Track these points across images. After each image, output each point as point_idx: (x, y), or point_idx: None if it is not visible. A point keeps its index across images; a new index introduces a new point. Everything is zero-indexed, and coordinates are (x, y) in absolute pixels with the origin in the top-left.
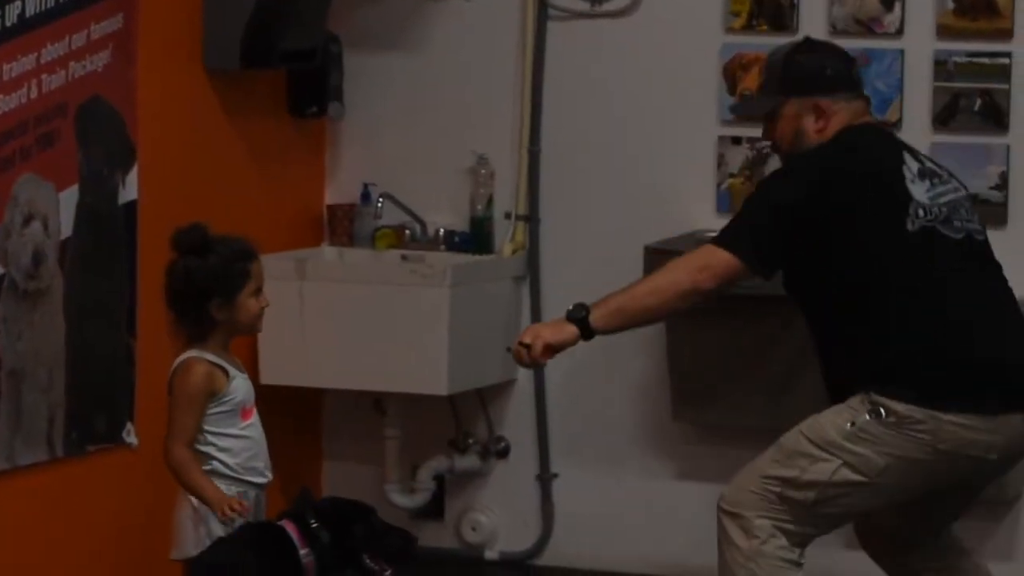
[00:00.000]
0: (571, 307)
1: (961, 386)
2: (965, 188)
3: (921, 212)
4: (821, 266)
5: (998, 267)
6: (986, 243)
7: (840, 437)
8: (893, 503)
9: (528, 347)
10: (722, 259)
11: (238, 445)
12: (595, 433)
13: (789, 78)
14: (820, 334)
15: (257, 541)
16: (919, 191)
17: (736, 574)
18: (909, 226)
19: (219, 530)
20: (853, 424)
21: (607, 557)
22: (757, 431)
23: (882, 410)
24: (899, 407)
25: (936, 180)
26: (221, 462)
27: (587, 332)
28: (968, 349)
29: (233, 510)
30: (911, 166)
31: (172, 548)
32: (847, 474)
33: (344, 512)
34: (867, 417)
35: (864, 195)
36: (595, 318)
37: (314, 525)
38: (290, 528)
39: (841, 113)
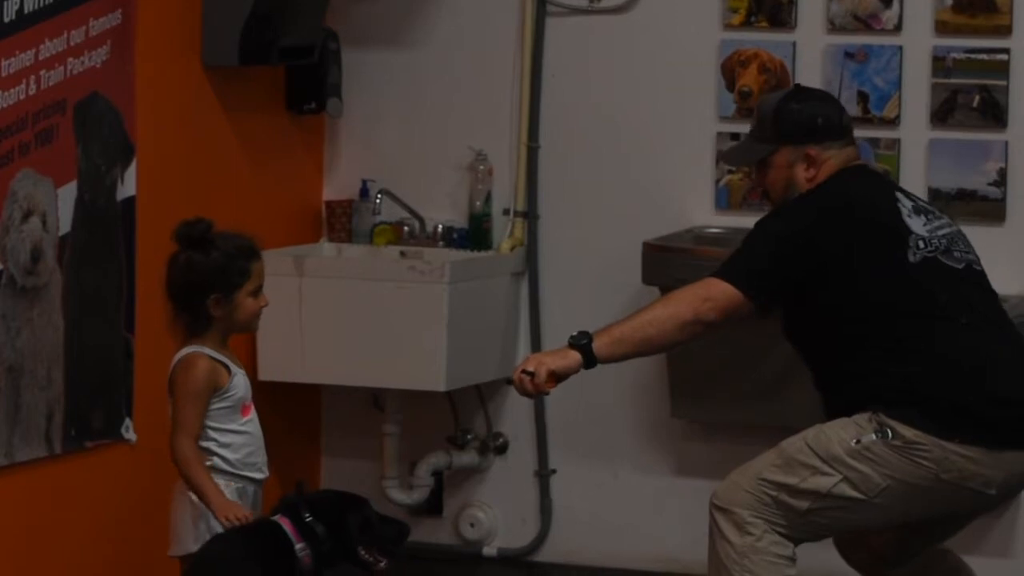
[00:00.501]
0: (574, 334)
1: (969, 417)
2: (957, 225)
3: (921, 244)
4: (821, 301)
5: (996, 296)
6: (984, 274)
7: (844, 453)
8: (885, 524)
9: (531, 375)
10: (724, 291)
11: (238, 441)
12: (593, 429)
13: (781, 127)
14: (823, 369)
15: (253, 537)
16: (916, 225)
17: (729, 569)
18: (911, 257)
19: (218, 527)
20: (858, 442)
21: (605, 553)
22: (755, 428)
23: (889, 432)
24: (907, 431)
25: (931, 216)
26: (221, 457)
27: (590, 360)
28: (979, 381)
29: (237, 519)
30: (905, 203)
31: (170, 544)
32: (845, 489)
33: (338, 505)
34: (873, 436)
35: (861, 231)
36: (597, 346)
37: (309, 519)
38: (285, 523)
39: (831, 161)
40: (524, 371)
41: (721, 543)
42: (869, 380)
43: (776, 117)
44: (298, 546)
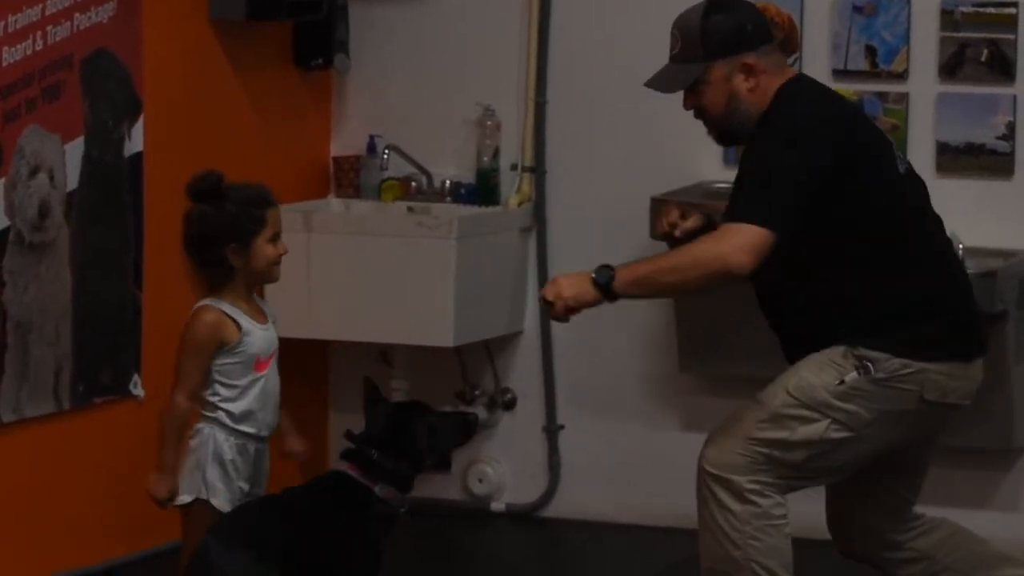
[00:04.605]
0: (598, 269)
1: (948, 335)
2: None
3: (900, 154)
4: (827, 222)
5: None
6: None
7: (831, 396)
8: (872, 456)
9: (551, 305)
10: (758, 235)
11: (248, 395)
12: (602, 384)
13: (710, 42)
14: (798, 299)
15: (323, 496)
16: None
17: (731, 537)
18: (900, 168)
19: (215, 478)
20: (842, 382)
21: (613, 508)
22: (764, 382)
23: (870, 365)
24: (888, 360)
25: None
26: (226, 412)
27: (609, 296)
28: (956, 298)
29: (154, 499)
30: None
31: None
32: (836, 432)
33: (398, 423)
34: (856, 374)
35: (865, 141)
36: (619, 285)
37: (376, 456)
38: (352, 470)
39: (769, 68)
40: (544, 299)
41: (720, 511)
42: (856, 303)
43: (703, 33)
44: (376, 488)
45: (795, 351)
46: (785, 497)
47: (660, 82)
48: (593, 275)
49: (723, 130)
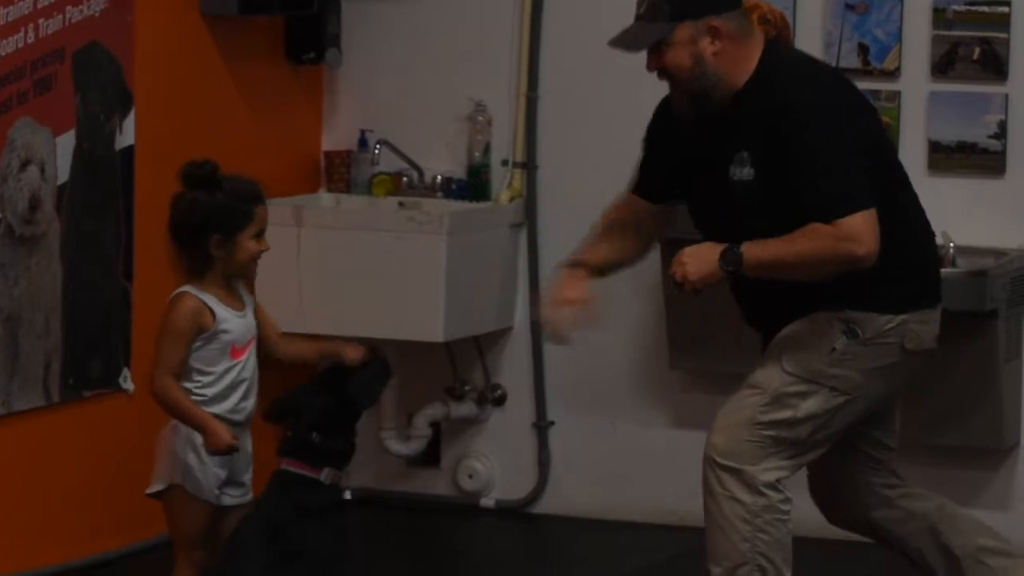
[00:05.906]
0: (729, 253)
1: (927, 286)
2: None
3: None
4: None
5: None
6: None
7: (825, 365)
8: (865, 413)
9: (680, 285)
10: (866, 219)
11: (222, 382)
12: (592, 381)
13: (678, 2)
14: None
15: (279, 503)
16: None
17: (739, 529)
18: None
19: (190, 464)
20: (834, 350)
21: (603, 504)
22: None
23: (857, 328)
24: (874, 320)
25: None
26: (201, 398)
27: (735, 276)
28: (928, 252)
29: (223, 448)
30: None
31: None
32: (834, 399)
33: (331, 397)
34: (845, 339)
35: (876, 113)
36: (747, 268)
37: (316, 439)
38: (295, 467)
39: (736, 34)
40: (674, 280)
41: (729, 503)
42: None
43: None
44: (322, 477)
45: (772, 321)
46: (786, 486)
47: (624, 41)
48: (721, 262)
49: (690, 94)
